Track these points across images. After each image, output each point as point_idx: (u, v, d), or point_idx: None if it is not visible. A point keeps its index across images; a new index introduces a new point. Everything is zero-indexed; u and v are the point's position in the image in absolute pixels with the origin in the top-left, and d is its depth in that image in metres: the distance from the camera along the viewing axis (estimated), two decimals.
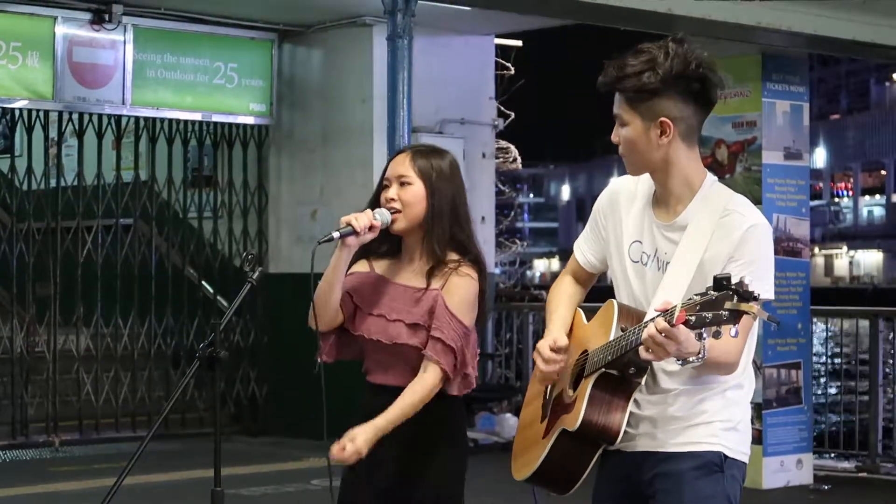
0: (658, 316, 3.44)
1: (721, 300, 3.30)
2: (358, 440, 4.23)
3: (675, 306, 3.39)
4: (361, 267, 4.45)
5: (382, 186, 4.39)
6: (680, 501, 3.71)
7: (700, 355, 3.46)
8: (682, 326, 3.37)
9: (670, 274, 3.71)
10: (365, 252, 4.42)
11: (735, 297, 3.28)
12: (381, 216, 4.30)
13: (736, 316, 3.29)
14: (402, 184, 4.35)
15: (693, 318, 3.33)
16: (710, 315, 3.31)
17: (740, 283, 3.30)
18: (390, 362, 4.37)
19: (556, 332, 3.90)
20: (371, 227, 4.27)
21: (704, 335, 3.35)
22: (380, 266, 4.45)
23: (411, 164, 4.37)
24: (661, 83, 3.67)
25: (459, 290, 4.33)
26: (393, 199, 4.33)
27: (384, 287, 4.40)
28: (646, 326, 3.48)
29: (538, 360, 3.84)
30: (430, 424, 4.33)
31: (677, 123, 3.72)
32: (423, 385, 4.28)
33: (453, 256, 4.36)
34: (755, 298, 3.28)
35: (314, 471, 10.16)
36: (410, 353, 4.33)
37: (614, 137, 3.78)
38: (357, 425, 4.39)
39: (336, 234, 4.24)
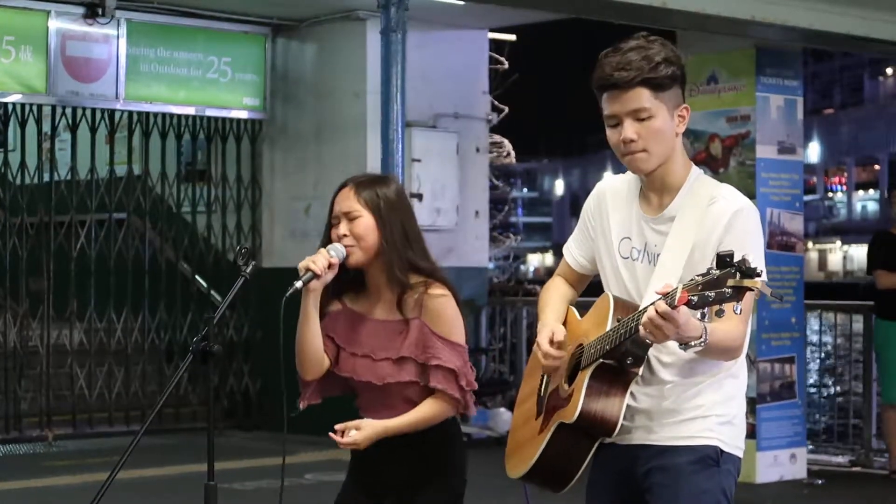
0: (659, 299, 3.43)
1: (724, 278, 3.30)
2: (362, 431, 4.23)
3: (677, 288, 3.39)
4: (335, 307, 4.42)
5: (332, 224, 4.36)
6: (676, 495, 3.72)
7: (703, 339, 3.47)
8: (683, 308, 3.37)
9: (662, 264, 3.72)
10: (335, 292, 4.39)
11: (738, 274, 3.29)
12: (336, 252, 4.27)
13: (739, 292, 3.29)
14: (351, 218, 4.31)
15: (696, 299, 3.34)
16: (712, 294, 3.31)
17: (743, 259, 3.30)
18: (384, 401, 4.33)
19: (552, 324, 3.89)
20: (330, 266, 4.24)
21: (707, 316, 3.35)
22: (351, 302, 4.42)
23: (356, 198, 4.33)
24: (679, 71, 3.73)
25: (441, 313, 4.29)
26: (345, 235, 4.30)
27: (361, 324, 4.38)
28: (644, 312, 3.48)
29: (540, 355, 3.83)
30: (433, 447, 4.33)
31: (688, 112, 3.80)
32: (438, 407, 4.29)
33: (417, 279, 4.32)
34: (758, 274, 3.29)
35: (308, 465, 10.15)
36: (403, 389, 4.30)
37: (631, 134, 3.70)
38: (350, 463, 4.40)
39: (299, 284, 4.22)
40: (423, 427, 4.29)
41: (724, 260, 3.32)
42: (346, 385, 4.45)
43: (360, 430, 4.24)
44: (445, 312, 4.30)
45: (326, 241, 4.36)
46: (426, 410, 4.29)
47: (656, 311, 3.41)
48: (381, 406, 4.34)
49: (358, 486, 4.43)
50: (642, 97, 3.70)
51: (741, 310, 3.34)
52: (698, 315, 3.38)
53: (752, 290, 3.29)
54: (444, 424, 4.35)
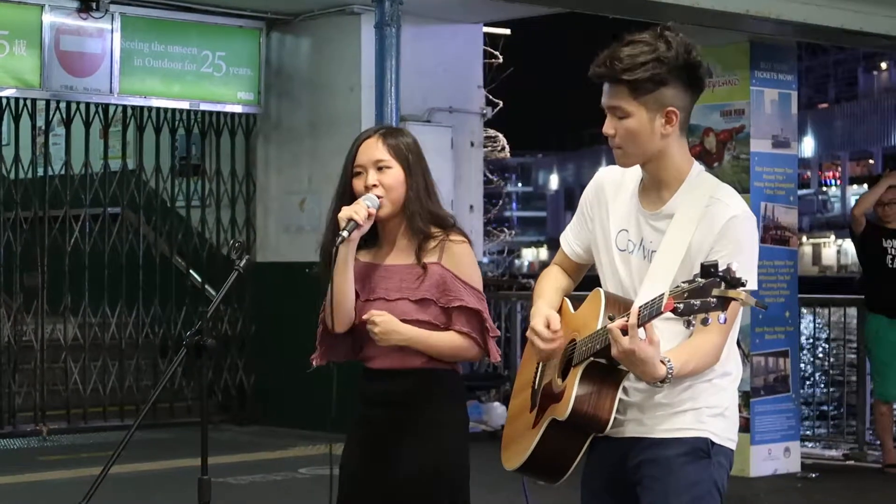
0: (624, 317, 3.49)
1: (709, 287, 3.31)
2: (386, 316, 4.24)
3: (663, 294, 3.40)
4: None
5: (354, 174, 4.34)
6: (666, 487, 3.72)
7: (667, 378, 3.54)
8: (639, 344, 3.43)
9: (657, 262, 3.71)
10: None
11: (723, 284, 3.29)
12: (372, 202, 4.27)
13: (724, 302, 3.30)
14: (380, 168, 4.32)
15: (681, 306, 3.34)
16: (697, 303, 3.32)
17: (728, 269, 3.31)
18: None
19: (546, 311, 3.88)
20: (369, 216, 4.26)
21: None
22: (361, 256, 4.43)
23: (385, 148, 4.34)
24: (669, 73, 3.68)
25: (464, 259, 4.35)
26: (374, 185, 4.30)
27: (374, 272, 4.38)
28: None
29: (536, 340, 3.82)
30: (432, 397, 4.34)
31: (680, 113, 3.74)
32: (462, 339, 4.30)
33: (436, 230, 4.36)
34: (742, 284, 3.29)
35: (301, 459, 10.16)
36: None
37: (609, 129, 3.73)
38: (356, 414, 4.40)
39: (346, 234, 4.22)
40: (443, 353, 4.30)
41: (708, 270, 3.33)
42: (348, 350, 4.45)
43: (384, 316, 4.24)
44: (468, 258, 4.36)
45: (348, 192, 4.34)
46: (449, 337, 4.30)
47: (614, 337, 3.48)
48: (391, 350, 4.31)
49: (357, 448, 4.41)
50: (620, 96, 3.70)
51: (725, 319, 3.35)
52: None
53: (737, 301, 3.29)
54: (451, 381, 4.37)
